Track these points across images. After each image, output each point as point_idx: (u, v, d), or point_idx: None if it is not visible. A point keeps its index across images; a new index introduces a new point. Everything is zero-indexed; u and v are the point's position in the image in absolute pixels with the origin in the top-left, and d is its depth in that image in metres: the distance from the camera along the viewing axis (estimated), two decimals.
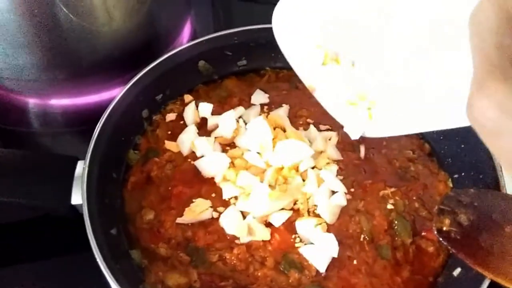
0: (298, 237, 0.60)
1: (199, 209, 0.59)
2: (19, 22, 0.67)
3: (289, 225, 0.60)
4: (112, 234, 0.58)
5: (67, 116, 0.81)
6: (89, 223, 0.54)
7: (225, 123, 0.68)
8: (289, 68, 0.78)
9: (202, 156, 0.66)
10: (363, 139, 0.68)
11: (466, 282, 0.54)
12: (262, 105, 0.74)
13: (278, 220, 0.60)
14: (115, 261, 0.53)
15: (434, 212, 0.56)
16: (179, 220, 0.60)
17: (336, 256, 0.57)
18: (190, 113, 0.71)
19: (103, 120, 0.63)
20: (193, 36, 0.91)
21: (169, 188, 0.63)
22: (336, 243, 0.58)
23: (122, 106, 0.67)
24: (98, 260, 0.51)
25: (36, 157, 0.64)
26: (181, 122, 0.71)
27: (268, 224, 0.60)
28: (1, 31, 0.68)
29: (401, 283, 0.57)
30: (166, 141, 0.68)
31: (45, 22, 0.67)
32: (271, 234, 0.59)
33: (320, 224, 0.60)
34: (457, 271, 0.57)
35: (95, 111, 0.68)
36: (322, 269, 0.57)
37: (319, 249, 0.58)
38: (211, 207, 0.61)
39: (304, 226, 0.60)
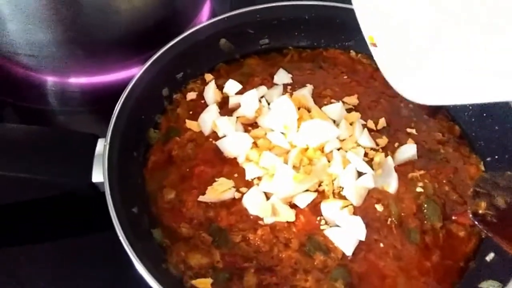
0: (323, 219, 0.58)
1: (221, 188, 0.58)
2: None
3: (314, 207, 0.59)
4: (133, 212, 0.56)
5: (85, 94, 0.80)
6: (111, 201, 0.52)
7: (247, 103, 0.67)
8: (313, 48, 0.78)
9: (224, 136, 0.64)
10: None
11: (500, 267, 0.52)
12: (285, 85, 0.71)
13: (303, 201, 0.58)
14: (137, 240, 0.52)
15: (469, 195, 0.54)
16: (201, 198, 0.58)
17: (363, 239, 0.56)
18: (211, 92, 0.69)
19: (123, 98, 0.62)
20: (212, 15, 0.88)
21: (191, 167, 0.62)
22: (363, 226, 0.56)
23: (142, 84, 0.65)
24: (121, 238, 0.50)
25: (55, 134, 0.63)
26: (202, 101, 0.70)
27: (293, 206, 0.59)
28: (20, 6, 0.66)
29: (430, 268, 0.55)
30: (187, 120, 0.66)
31: None
32: (296, 216, 0.58)
33: (346, 206, 0.58)
34: (490, 256, 0.55)
35: (113, 90, 0.67)
36: (349, 252, 0.55)
37: (345, 232, 0.56)
38: (233, 187, 0.60)
39: (329, 208, 0.58)
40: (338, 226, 0.57)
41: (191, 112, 0.68)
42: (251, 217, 0.58)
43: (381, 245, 0.56)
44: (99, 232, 0.62)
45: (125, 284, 0.60)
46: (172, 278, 0.53)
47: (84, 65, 0.77)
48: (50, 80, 0.80)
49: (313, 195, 0.59)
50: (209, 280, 0.53)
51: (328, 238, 0.56)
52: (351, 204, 0.58)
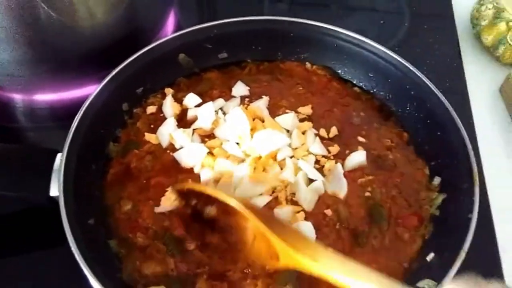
0: None
1: (174, 197, 0.60)
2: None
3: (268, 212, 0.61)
4: (90, 224, 0.58)
5: (51, 110, 0.81)
6: (64, 213, 0.54)
7: (204, 115, 0.69)
8: (270, 60, 0.80)
9: (181, 148, 0.67)
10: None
11: (438, 267, 0.54)
12: (242, 97, 0.74)
13: (259, 204, 0.60)
14: (93, 251, 0.54)
15: None
16: (156, 209, 0.60)
17: None
18: (169, 106, 0.71)
19: (81, 113, 0.64)
20: (177, 29, 0.91)
21: (148, 178, 0.64)
22: (314, 231, 0.58)
23: (101, 99, 0.67)
24: (73, 249, 0.52)
25: (15, 149, 0.65)
26: (161, 114, 0.72)
27: None
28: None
29: (377, 270, 0.58)
30: (146, 133, 0.69)
31: (25, 17, 0.67)
32: None
33: (298, 212, 0.60)
34: (430, 256, 0.57)
35: (79, 105, 0.69)
36: None
37: None
38: None
39: (283, 213, 0.60)
40: None
41: (151, 126, 0.71)
42: None
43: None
44: (59, 245, 0.63)
45: None
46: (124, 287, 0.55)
47: (49, 82, 0.79)
48: (16, 97, 0.81)
49: (268, 198, 0.61)
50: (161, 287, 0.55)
51: None
52: (303, 210, 0.61)
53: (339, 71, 0.78)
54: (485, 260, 0.63)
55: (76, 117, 0.63)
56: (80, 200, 0.58)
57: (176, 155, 0.66)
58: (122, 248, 0.59)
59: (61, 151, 0.62)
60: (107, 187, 0.64)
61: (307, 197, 0.62)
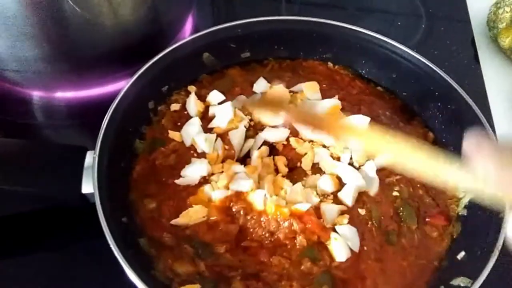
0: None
1: (195, 217, 0.60)
2: (26, 14, 0.67)
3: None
4: (123, 222, 0.58)
5: (72, 108, 0.81)
6: (101, 211, 0.54)
7: (221, 114, 0.69)
8: (292, 58, 0.81)
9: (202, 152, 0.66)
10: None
11: (471, 265, 0.55)
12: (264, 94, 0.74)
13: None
14: (127, 248, 0.54)
15: None
16: (173, 222, 0.60)
17: (357, 251, 0.58)
18: (192, 103, 0.71)
19: (111, 111, 0.64)
20: (194, 30, 0.91)
21: (171, 177, 0.64)
22: (358, 238, 0.59)
23: (129, 97, 0.67)
24: (112, 247, 0.52)
25: (45, 147, 0.65)
26: (185, 112, 0.72)
27: None
28: (8, 23, 0.67)
29: (407, 268, 0.59)
30: (170, 131, 0.68)
31: (51, 14, 0.67)
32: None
33: (342, 214, 0.61)
34: (461, 255, 0.58)
35: (99, 104, 0.69)
36: (342, 258, 0.58)
37: (342, 241, 0.58)
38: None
39: (328, 210, 0.60)
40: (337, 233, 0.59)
41: (177, 124, 0.70)
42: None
43: (365, 248, 0.59)
44: (89, 243, 0.64)
45: None
46: (161, 284, 0.55)
47: (71, 80, 0.79)
48: (36, 94, 0.81)
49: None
50: (197, 286, 0.55)
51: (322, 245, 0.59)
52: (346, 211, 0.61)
53: (362, 71, 0.78)
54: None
55: (107, 114, 0.63)
56: (113, 198, 0.58)
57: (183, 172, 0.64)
58: (152, 247, 0.58)
59: (88, 148, 0.62)
60: (132, 184, 0.64)
61: (350, 193, 0.62)
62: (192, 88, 0.75)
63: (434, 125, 0.72)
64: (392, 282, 0.58)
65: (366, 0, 1.01)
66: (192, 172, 0.64)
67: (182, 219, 0.60)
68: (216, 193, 0.61)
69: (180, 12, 0.86)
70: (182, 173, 0.64)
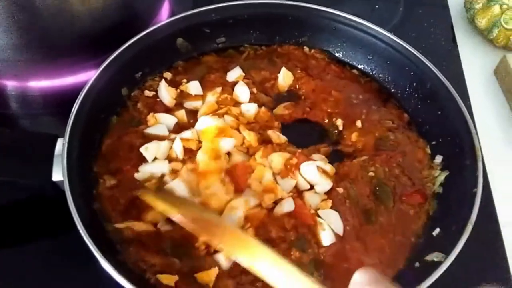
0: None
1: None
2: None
3: None
4: (94, 209, 0.58)
5: (46, 97, 0.79)
6: (70, 198, 0.53)
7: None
8: (269, 44, 0.80)
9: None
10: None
11: (445, 241, 0.55)
12: None
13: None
14: (98, 237, 0.53)
15: None
16: (117, 225, 0.57)
17: (341, 234, 0.58)
18: (164, 91, 0.70)
19: (81, 97, 0.63)
20: (171, 15, 0.90)
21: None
22: (341, 221, 0.59)
23: (100, 83, 0.66)
24: (81, 233, 0.51)
25: (15, 135, 0.64)
26: (158, 99, 0.71)
27: None
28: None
29: (386, 245, 0.59)
30: (149, 116, 0.67)
31: (19, 1, 0.66)
32: None
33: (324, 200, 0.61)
34: (436, 231, 0.58)
35: (73, 92, 0.67)
36: (327, 243, 0.58)
37: (326, 226, 0.59)
38: None
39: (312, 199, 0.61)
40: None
41: (153, 108, 0.69)
42: None
43: (347, 228, 0.59)
44: (64, 232, 0.63)
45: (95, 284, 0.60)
46: (135, 273, 0.54)
47: (43, 68, 0.77)
48: (9, 84, 0.79)
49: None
50: (174, 277, 0.54)
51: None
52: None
53: (338, 54, 0.78)
54: (486, 235, 0.64)
55: (76, 101, 0.62)
56: (84, 184, 0.57)
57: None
58: (117, 235, 0.57)
59: (60, 136, 0.61)
60: (99, 158, 0.63)
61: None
62: (167, 75, 0.74)
63: (410, 105, 0.71)
64: (374, 259, 0.58)
65: None
66: (150, 170, 0.62)
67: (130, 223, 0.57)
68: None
69: None
70: (141, 168, 0.63)
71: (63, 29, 0.72)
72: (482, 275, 0.61)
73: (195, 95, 0.71)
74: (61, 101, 0.78)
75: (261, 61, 0.78)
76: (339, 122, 0.70)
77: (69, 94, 0.75)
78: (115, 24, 0.76)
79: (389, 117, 0.71)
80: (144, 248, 0.56)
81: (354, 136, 0.68)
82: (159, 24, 0.73)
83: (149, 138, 0.65)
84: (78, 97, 0.63)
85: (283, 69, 0.74)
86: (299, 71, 0.76)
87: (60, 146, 0.59)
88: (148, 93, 0.71)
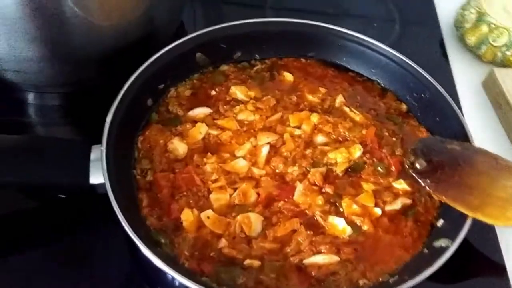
0: None
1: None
2: (26, 15, 0.69)
3: None
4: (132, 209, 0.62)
5: (70, 107, 0.84)
6: (114, 201, 0.58)
7: None
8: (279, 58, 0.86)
9: None
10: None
11: (451, 228, 0.62)
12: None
13: None
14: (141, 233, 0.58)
15: (408, 151, 0.69)
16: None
17: None
18: None
19: (114, 109, 0.67)
20: (186, 31, 0.96)
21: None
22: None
23: (129, 95, 0.71)
24: (130, 234, 0.55)
25: (49, 141, 0.68)
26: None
27: None
28: (8, 24, 0.70)
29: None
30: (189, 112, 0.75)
31: (51, 16, 0.70)
32: None
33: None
34: (440, 222, 0.65)
35: (96, 102, 0.72)
36: None
37: None
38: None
39: None
40: None
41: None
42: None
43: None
44: (97, 231, 0.67)
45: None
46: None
47: (69, 79, 0.82)
48: (33, 93, 0.84)
49: None
50: None
51: None
52: None
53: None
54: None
55: (110, 111, 0.67)
56: (123, 185, 0.62)
57: None
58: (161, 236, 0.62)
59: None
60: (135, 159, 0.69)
61: None
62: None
63: (408, 101, 0.80)
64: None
65: (343, 6, 1.08)
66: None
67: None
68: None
69: (172, 15, 0.91)
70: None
71: (90, 43, 0.77)
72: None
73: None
74: (85, 111, 0.83)
75: (265, 73, 0.83)
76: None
77: (93, 104, 0.81)
78: (139, 39, 0.81)
79: (387, 107, 0.80)
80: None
81: None
82: (181, 40, 0.79)
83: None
84: (111, 107, 0.67)
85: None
86: (296, 76, 0.82)
87: (96, 152, 0.64)
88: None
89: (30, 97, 0.85)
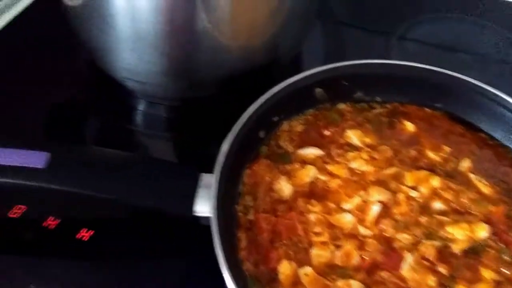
0: None
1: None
2: (161, 33, 0.71)
3: None
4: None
5: (176, 121, 0.86)
6: (218, 241, 0.56)
7: None
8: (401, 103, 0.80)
9: None
10: None
11: None
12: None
13: None
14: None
15: None
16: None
17: None
18: None
19: (232, 138, 0.66)
20: (303, 62, 0.93)
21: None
22: None
23: (244, 127, 0.69)
24: (226, 279, 0.54)
25: (159, 162, 0.68)
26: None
27: None
28: (142, 39, 0.72)
29: None
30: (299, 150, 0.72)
31: (183, 32, 0.71)
32: None
33: None
34: None
35: (207, 120, 0.73)
36: None
37: None
38: None
39: None
40: None
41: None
42: None
43: None
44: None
45: None
46: None
47: (184, 94, 0.84)
48: (145, 102, 0.87)
49: None
50: None
51: None
52: None
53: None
54: None
55: (226, 140, 0.66)
56: (227, 221, 0.61)
57: None
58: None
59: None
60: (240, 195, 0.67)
61: None
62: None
63: None
64: None
65: (481, 47, 0.98)
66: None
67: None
68: None
69: (296, 42, 0.88)
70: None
71: (216, 63, 0.77)
72: None
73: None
74: (196, 128, 0.84)
75: (385, 118, 0.78)
76: None
77: (203, 121, 0.82)
78: (260, 63, 0.81)
79: None
80: None
81: None
82: (303, 75, 0.75)
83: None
84: (228, 136, 0.66)
85: None
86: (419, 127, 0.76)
87: (207, 181, 0.63)
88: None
89: (141, 105, 0.88)
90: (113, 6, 0.70)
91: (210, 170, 0.63)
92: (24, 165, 0.56)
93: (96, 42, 0.78)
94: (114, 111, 0.87)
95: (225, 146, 0.65)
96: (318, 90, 0.78)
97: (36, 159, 0.57)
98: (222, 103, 0.84)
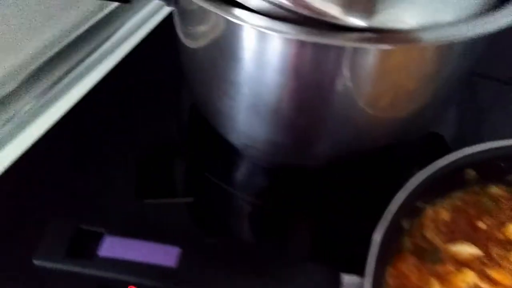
0: None
1: None
2: (292, 108, 0.63)
3: None
4: None
5: (276, 188, 0.78)
6: None
7: None
8: None
9: None
10: None
11: None
12: None
13: None
14: None
15: None
16: None
17: None
18: None
19: (384, 227, 0.56)
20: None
21: None
22: None
23: (390, 215, 0.59)
24: None
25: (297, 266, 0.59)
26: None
27: None
28: (269, 110, 0.64)
29: None
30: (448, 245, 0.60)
31: (320, 111, 0.63)
32: None
33: None
34: None
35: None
36: None
37: None
38: None
39: None
40: None
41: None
42: None
43: None
44: None
45: None
46: None
47: (296, 163, 0.75)
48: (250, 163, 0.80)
49: None
50: None
51: None
52: None
53: None
54: None
55: (378, 230, 0.56)
56: None
57: None
58: None
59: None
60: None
61: None
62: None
63: None
64: None
65: None
66: None
67: None
68: None
69: (432, 122, 0.78)
70: None
71: (348, 135, 0.68)
72: None
73: None
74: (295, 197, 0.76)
75: None
76: None
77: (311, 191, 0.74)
78: (385, 145, 0.70)
79: None
80: None
81: None
82: (455, 156, 0.64)
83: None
84: (378, 227, 0.56)
85: None
86: None
87: (348, 284, 0.54)
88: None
89: (244, 167, 0.80)
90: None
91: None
92: (156, 263, 0.48)
93: (216, 101, 0.71)
94: (218, 168, 0.80)
95: (377, 236, 0.55)
96: (469, 171, 0.66)
97: (167, 256, 0.49)
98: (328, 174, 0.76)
